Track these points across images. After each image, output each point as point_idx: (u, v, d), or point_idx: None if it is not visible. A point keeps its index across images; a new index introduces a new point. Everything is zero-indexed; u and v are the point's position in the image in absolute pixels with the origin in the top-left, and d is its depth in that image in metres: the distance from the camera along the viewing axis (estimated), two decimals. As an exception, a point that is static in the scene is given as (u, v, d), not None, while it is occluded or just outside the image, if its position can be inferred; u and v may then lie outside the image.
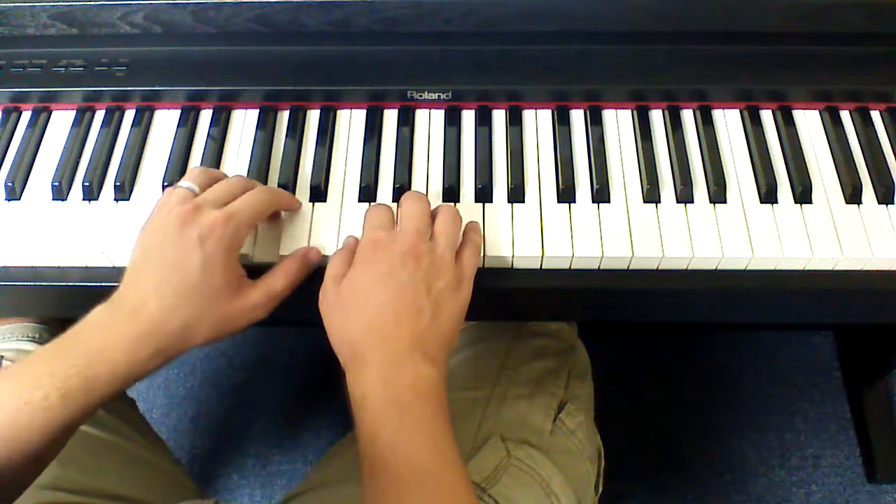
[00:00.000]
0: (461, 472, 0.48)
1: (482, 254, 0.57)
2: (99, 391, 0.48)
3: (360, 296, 0.51)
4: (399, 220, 0.54)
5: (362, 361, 0.49)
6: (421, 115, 0.65)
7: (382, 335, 0.50)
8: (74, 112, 0.66)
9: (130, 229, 0.58)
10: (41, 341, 0.75)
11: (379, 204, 0.58)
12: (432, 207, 0.56)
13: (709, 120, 0.64)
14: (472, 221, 0.58)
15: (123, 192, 0.62)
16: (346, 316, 0.51)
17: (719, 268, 0.58)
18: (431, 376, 0.49)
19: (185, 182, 0.55)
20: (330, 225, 0.59)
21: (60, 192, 0.62)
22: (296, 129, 0.64)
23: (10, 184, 0.62)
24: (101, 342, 0.48)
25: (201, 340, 0.51)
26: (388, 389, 0.48)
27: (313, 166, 0.62)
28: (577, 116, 0.65)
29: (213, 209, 0.52)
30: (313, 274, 0.57)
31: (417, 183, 0.62)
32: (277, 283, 0.54)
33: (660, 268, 0.58)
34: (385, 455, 0.47)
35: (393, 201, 0.61)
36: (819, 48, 0.64)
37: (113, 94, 0.66)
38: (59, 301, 0.62)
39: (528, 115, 0.65)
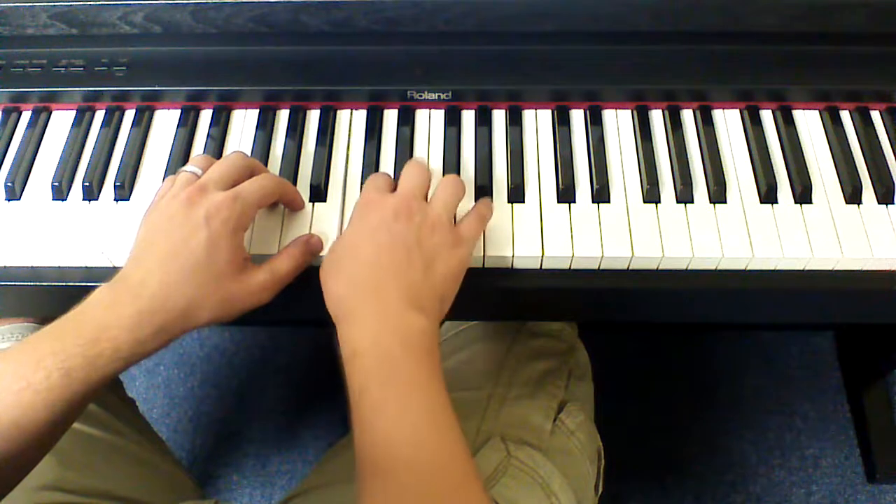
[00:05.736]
0: (454, 427, 0.47)
1: (482, 254, 0.57)
2: (101, 370, 0.47)
3: (351, 250, 0.51)
4: (399, 182, 0.55)
5: (352, 315, 0.49)
6: (421, 115, 0.65)
7: (373, 287, 0.49)
8: (74, 112, 0.66)
9: (130, 229, 0.58)
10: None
11: (380, 172, 0.58)
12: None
13: (709, 120, 0.64)
14: (484, 198, 0.59)
15: (123, 191, 0.62)
16: (338, 272, 0.51)
17: (719, 268, 0.58)
18: (422, 327, 0.49)
19: (188, 167, 0.55)
20: (330, 225, 0.59)
21: (60, 192, 0.62)
22: (296, 129, 0.64)
23: (10, 184, 0.62)
24: (103, 320, 0.48)
25: (205, 320, 0.51)
26: (378, 343, 0.48)
27: (313, 166, 0.62)
28: (577, 116, 0.65)
29: (218, 190, 0.52)
30: (316, 272, 0.57)
31: (417, 183, 0.62)
32: (282, 266, 0.54)
33: (660, 268, 0.58)
34: (374, 411, 0.46)
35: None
36: (819, 48, 0.64)
37: (113, 94, 0.66)
38: (59, 301, 0.62)
39: (528, 115, 0.65)
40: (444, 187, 0.55)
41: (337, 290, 0.51)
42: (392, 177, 0.59)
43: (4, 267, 0.60)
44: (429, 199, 0.54)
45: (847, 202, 0.60)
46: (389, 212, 0.52)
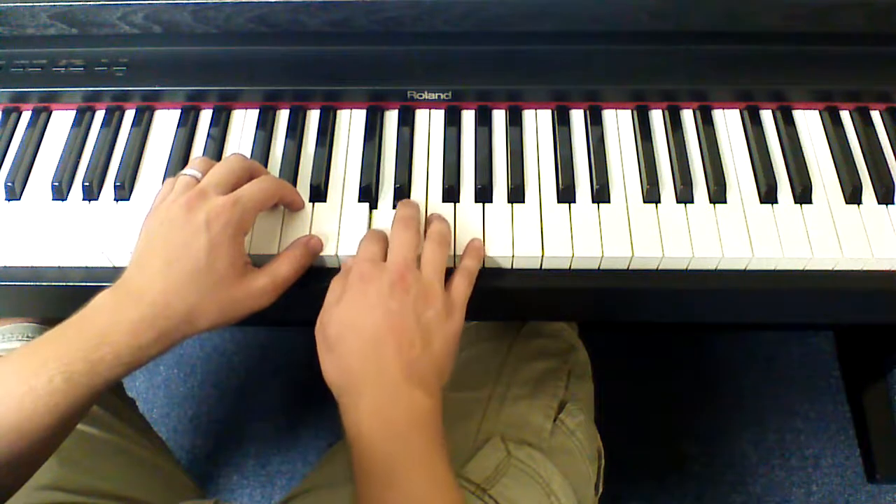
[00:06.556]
0: (458, 501, 0.48)
1: (483, 254, 0.57)
2: (103, 375, 0.48)
3: (351, 328, 0.51)
4: (389, 249, 0.54)
5: (356, 394, 0.49)
6: (421, 115, 0.65)
7: (375, 366, 0.49)
8: (74, 112, 0.66)
9: (131, 229, 0.58)
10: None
11: (373, 233, 0.56)
12: (428, 214, 0.55)
13: (709, 120, 0.64)
14: (474, 239, 0.58)
15: (123, 191, 0.62)
16: (338, 349, 0.51)
17: (719, 268, 0.58)
18: (426, 405, 0.49)
19: (188, 170, 0.55)
20: (330, 225, 0.59)
21: (60, 192, 0.62)
22: (296, 129, 0.64)
23: (10, 184, 0.62)
24: (104, 326, 0.48)
25: (206, 325, 0.51)
26: (383, 422, 0.48)
27: (313, 166, 0.62)
28: (577, 116, 0.65)
29: (218, 194, 0.52)
30: (315, 273, 0.57)
31: (417, 183, 0.62)
32: (282, 269, 0.54)
33: (660, 268, 0.58)
34: (381, 487, 0.47)
35: (393, 201, 0.61)
36: (819, 48, 0.64)
37: (113, 94, 0.66)
38: (59, 301, 0.62)
39: (528, 115, 0.65)
40: (432, 248, 0.54)
41: (337, 368, 0.51)
42: (393, 179, 0.58)
43: (4, 267, 0.60)
44: (420, 263, 0.53)
45: (847, 202, 0.60)
46: (385, 287, 0.51)
